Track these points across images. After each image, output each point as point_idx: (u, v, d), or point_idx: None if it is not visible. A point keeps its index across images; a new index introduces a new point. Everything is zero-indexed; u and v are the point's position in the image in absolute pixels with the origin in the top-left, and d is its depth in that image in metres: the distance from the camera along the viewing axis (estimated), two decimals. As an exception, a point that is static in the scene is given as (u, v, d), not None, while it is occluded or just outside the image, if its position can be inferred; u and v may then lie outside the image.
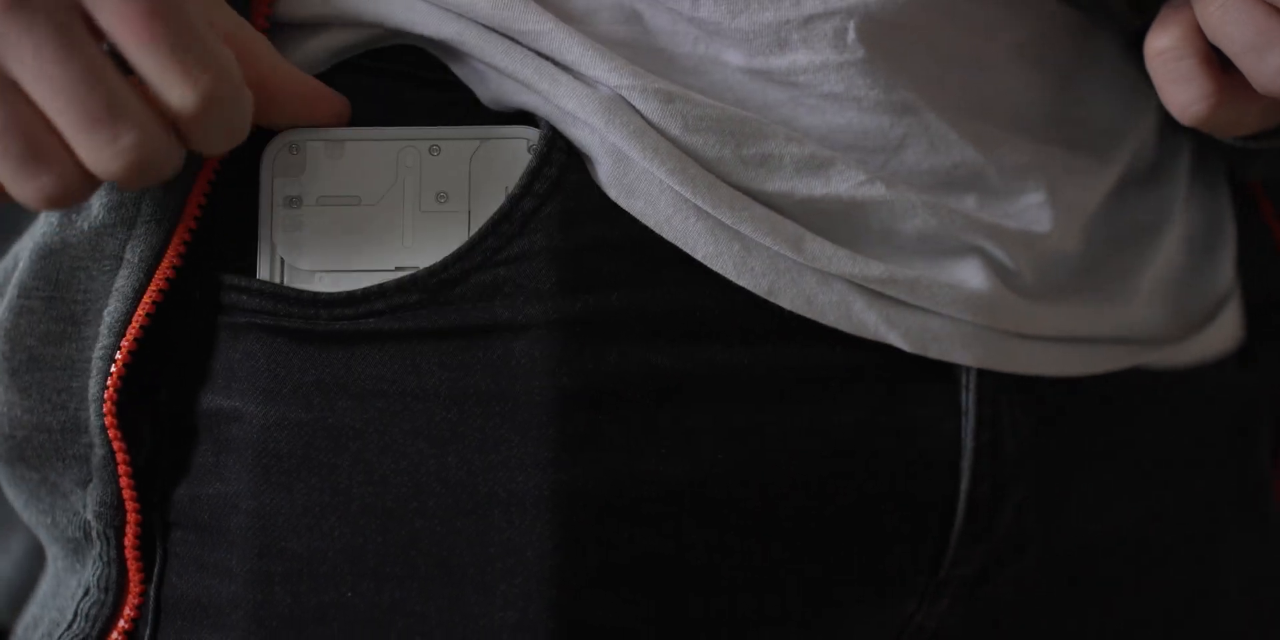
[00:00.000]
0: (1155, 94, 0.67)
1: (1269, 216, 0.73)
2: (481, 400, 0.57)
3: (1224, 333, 0.69)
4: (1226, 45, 0.57)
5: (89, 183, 0.52)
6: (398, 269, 0.58)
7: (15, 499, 0.63)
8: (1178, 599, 0.69)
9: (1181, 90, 0.59)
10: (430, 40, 0.59)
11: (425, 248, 0.58)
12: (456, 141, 0.59)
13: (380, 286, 0.58)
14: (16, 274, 0.60)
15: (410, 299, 0.57)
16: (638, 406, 0.58)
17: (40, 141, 0.51)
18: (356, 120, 0.60)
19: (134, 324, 0.57)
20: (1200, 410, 0.69)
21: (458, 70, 0.59)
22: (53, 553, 0.63)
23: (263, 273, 0.59)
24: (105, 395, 0.57)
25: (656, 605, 0.59)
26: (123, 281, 0.58)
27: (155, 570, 0.59)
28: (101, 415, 0.58)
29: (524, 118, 0.59)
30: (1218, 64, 0.60)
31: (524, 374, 0.57)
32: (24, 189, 0.52)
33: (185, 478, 0.59)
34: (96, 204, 0.59)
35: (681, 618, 0.59)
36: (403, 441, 0.57)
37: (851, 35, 0.59)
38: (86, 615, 0.60)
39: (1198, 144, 0.69)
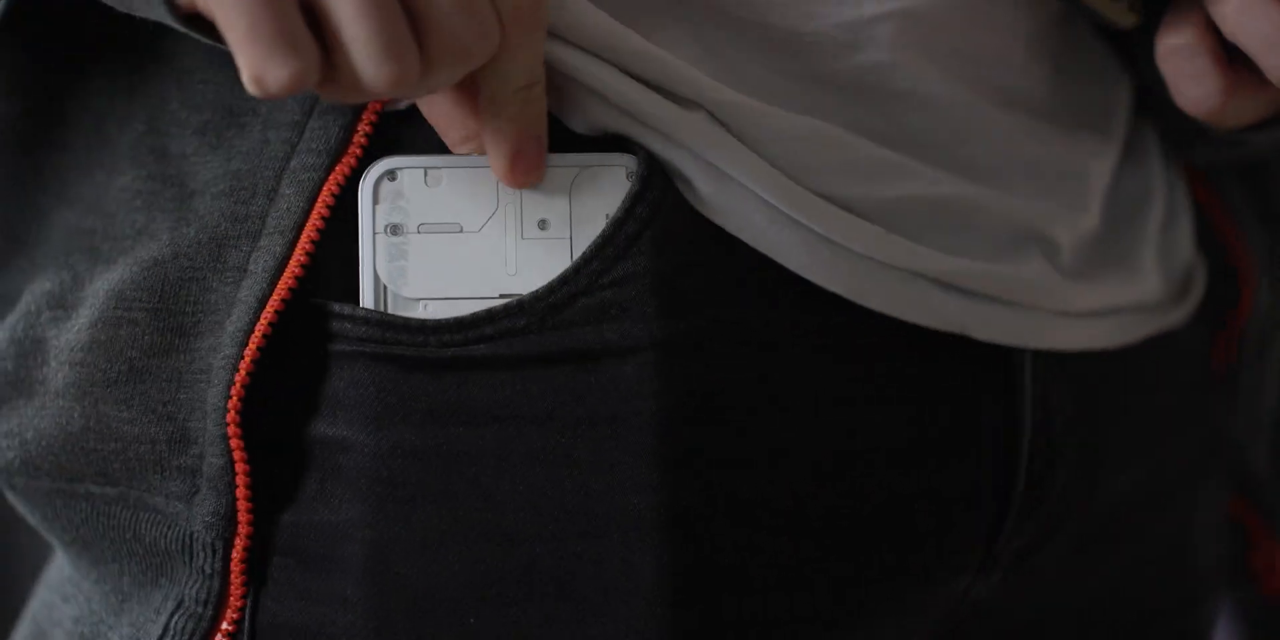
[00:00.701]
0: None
1: (1206, 198, 0.77)
2: (594, 423, 0.58)
3: (1196, 297, 0.74)
4: (1246, 41, 0.60)
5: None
6: (502, 296, 0.59)
7: (57, 518, 0.62)
8: (1165, 541, 0.74)
9: (1196, 86, 0.63)
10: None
11: (529, 275, 0.59)
12: (555, 169, 0.59)
13: (488, 311, 0.58)
14: (106, 285, 0.59)
15: (518, 324, 0.58)
16: (734, 421, 0.60)
17: (403, 28, 0.51)
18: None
19: (256, 333, 0.57)
20: (1177, 373, 0.74)
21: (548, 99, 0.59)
22: (112, 570, 0.62)
23: (366, 301, 0.59)
24: (228, 404, 0.57)
25: (707, 607, 0.60)
26: (246, 292, 0.58)
27: (250, 594, 0.59)
28: (222, 425, 0.57)
29: (617, 142, 0.60)
30: (1226, 60, 0.63)
31: (633, 396, 0.58)
32: (384, 71, 0.51)
33: (289, 505, 0.59)
34: (215, 214, 0.59)
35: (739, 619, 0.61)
36: (518, 466, 0.58)
37: (906, 34, 0.61)
38: (181, 630, 0.59)
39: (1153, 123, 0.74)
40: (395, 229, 0.59)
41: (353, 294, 0.59)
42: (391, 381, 0.58)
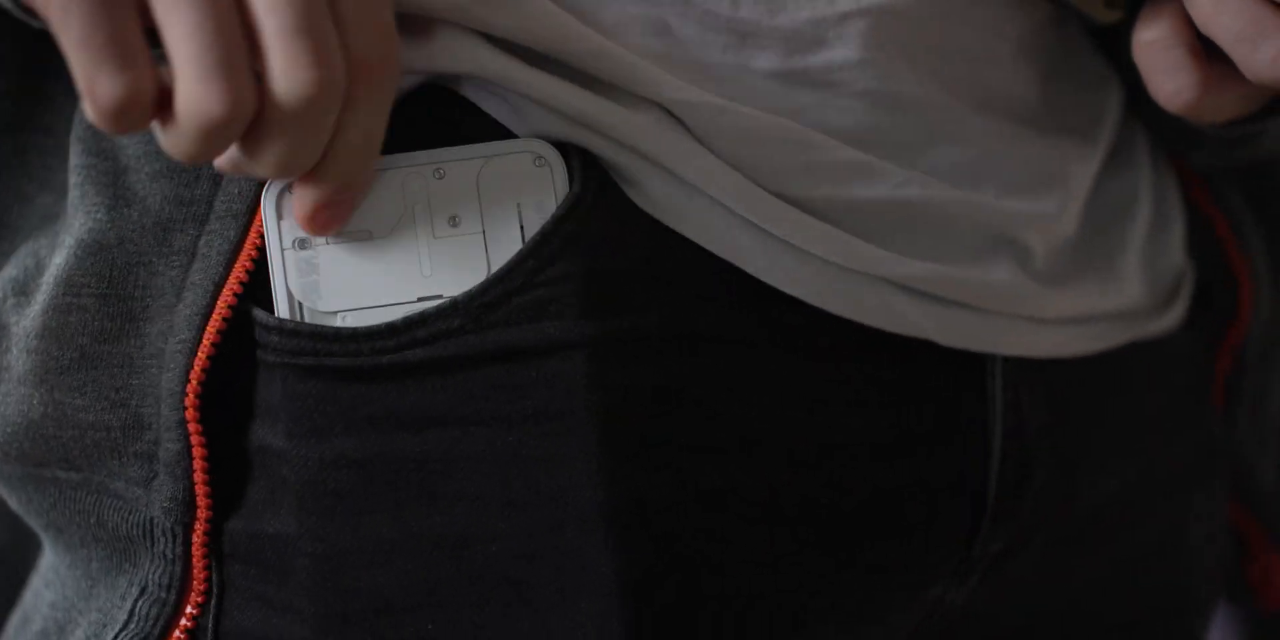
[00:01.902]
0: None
1: (1204, 204, 0.75)
2: (538, 420, 0.57)
3: (1183, 305, 0.73)
4: (1220, 35, 0.59)
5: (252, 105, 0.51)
6: (420, 299, 0.58)
7: (30, 502, 0.63)
8: (1153, 546, 0.72)
9: (1170, 79, 0.61)
10: (470, 78, 0.58)
11: (445, 275, 0.58)
12: (461, 163, 0.58)
13: (421, 314, 0.57)
14: (54, 271, 0.59)
15: (452, 324, 0.57)
16: (684, 415, 0.59)
17: (239, 50, 0.50)
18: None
19: (215, 316, 0.57)
20: (1167, 377, 0.72)
21: (492, 108, 0.59)
22: (82, 555, 0.62)
23: (282, 316, 0.58)
24: (186, 389, 0.57)
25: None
26: (199, 276, 0.58)
27: (212, 602, 0.59)
28: (179, 409, 0.57)
29: (562, 148, 0.59)
30: (1203, 54, 0.62)
31: (577, 390, 0.57)
32: (206, 99, 0.49)
33: (239, 511, 0.59)
34: (157, 196, 0.58)
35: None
36: (465, 468, 0.57)
37: (882, 32, 0.60)
38: (146, 616, 0.60)
39: (1145, 128, 0.72)
40: (303, 243, 0.58)
41: None
42: (329, 392, 0.57)
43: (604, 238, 0.58)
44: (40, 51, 0.62)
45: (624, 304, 0.58)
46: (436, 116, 0.59)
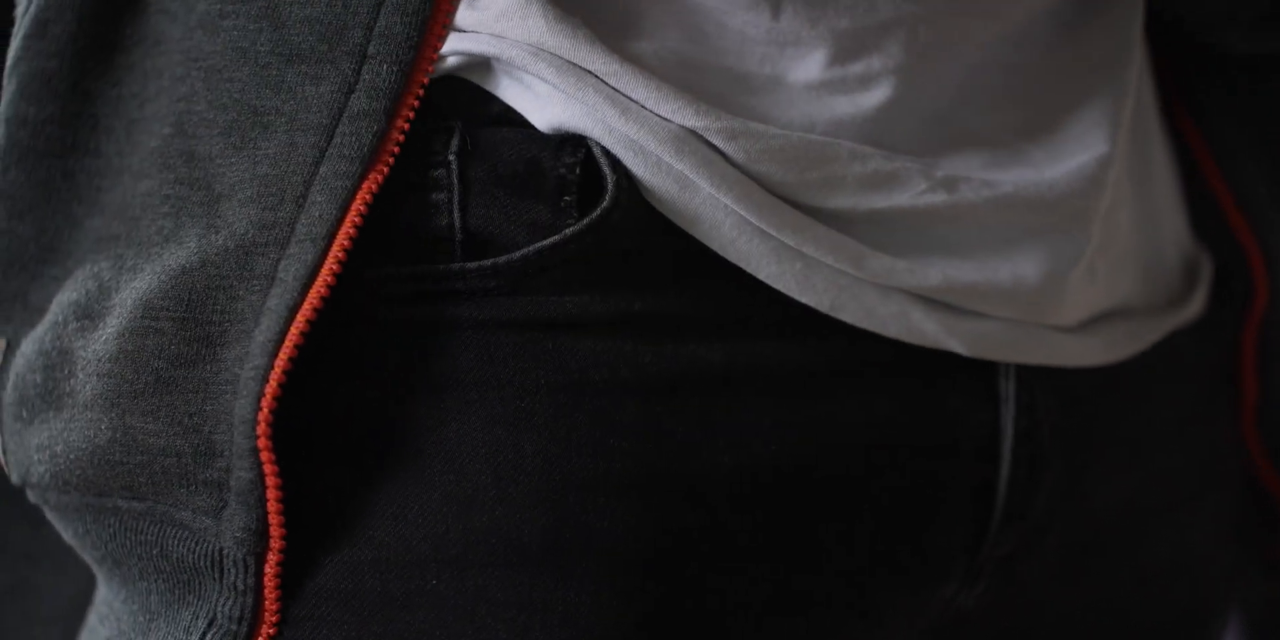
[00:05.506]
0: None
1: (1211, 178, 0.76)
2: (552, 390, 0.58)
3: (1200, 300, 0.73)
4: None
5: None
6: None
7: (87, 534, 0.61)
8: (1165, 557, 0.73)
9: None
10: (501, 61, 0.60)
11: None
12: None
13: (462, 267, 0.58)
14: (133, 295, 0.58)
15: (490, 284, 0.58)
16: (695, 399, 0.60)
17: None
18: None
19: (288, 343, 0.56)
20: (1179, 380, 0.73)
21: (516, 95, 0.60)
22: (140, 588, 0.61)
23: None
24: (259, 417, 0.56)
25: (707, 586, 0.61)
26: (275, 301, 0.57)
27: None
28: (252, 437, 0.56)
29: (577, 141, 0.60)
30: None
31: (591, 367, 0.59)
32: None
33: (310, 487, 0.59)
34: (244, 221, 0.58)
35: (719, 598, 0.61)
36: (480, 430, 0.58)
37: (920, 38, 0.61)
38: None
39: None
40: None
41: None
42: (370, 347, 0.58)
43: (640, 226, 0.60)
44: (85, 74, 0.61)
45: (646, 288, 0.60)
46: (459, 102, 0.60)
